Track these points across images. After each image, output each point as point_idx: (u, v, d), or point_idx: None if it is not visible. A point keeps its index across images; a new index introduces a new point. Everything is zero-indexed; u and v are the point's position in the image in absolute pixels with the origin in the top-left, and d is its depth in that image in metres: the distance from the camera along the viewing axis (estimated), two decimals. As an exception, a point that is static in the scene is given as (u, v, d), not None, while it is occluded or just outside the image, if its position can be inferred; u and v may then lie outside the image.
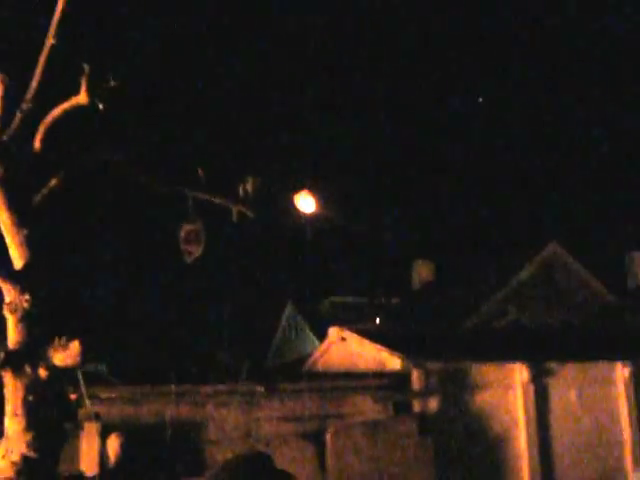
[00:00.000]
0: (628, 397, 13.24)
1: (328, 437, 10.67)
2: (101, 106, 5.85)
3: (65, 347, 5.32)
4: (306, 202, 22.37)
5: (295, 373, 14.15)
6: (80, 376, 8.90)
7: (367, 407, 11.43)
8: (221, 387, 10.20)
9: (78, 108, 5.95)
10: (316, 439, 10.64)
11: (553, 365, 12.88)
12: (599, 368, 13.30)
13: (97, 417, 9.26)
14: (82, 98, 5.76)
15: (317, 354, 14.89)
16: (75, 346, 5.25)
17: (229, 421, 9.92)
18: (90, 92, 5.76)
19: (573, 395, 12.97)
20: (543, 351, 13.69)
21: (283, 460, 10.20)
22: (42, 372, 5.25)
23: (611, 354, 13.60)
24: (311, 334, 33.19)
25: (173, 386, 9.73)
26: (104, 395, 9.62)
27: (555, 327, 20.97)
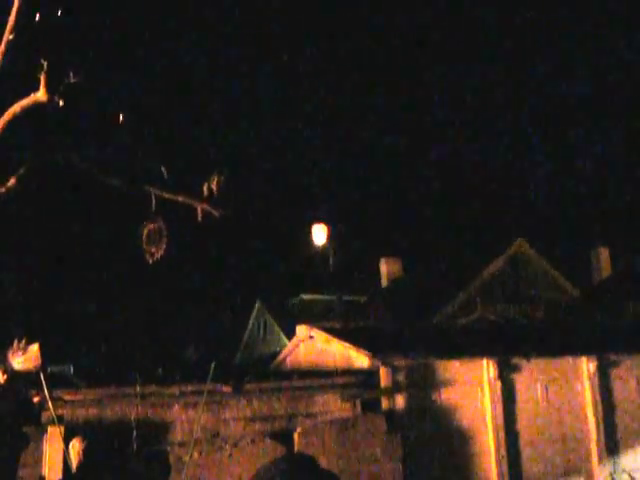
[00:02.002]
0: (593, 392, 13.38)
1: (296, 436, 10.62)
2: (61, 103, 5.73)
3: (24, 350, 5.20)
4: (320, 233, 22.47)
5: (263, 372, 14.06)
6: (43, 379, 8.74)
7: (335, 405, 11.39)
8: (187, 387, 10.08)
9: (38, 105, 5.82)
10: (284, 438, 10.58)
11: (519, 361, 12.96)
12: (565, 363, 13.41)
13: (60, 420, 9.09)
14: (41, 95, 5.64)
15: (285, 352, 14.83)
16: (34, 349, 5.14)
17: (196, 422, 9.80)
18: (49, 89, 5.63)
19: (539, 390, 13.07)
20: (510, 347, 13.77)
21: (251, 460, 10.15)
22: (0, 376, 5.13)
23: (577, 349, 13.73)
24: (280, 332, 33.13)
25: (138, 387, 9.59)
26: (68, 397, 9.45)
27: (521, 322, 21.14)
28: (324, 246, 22.89)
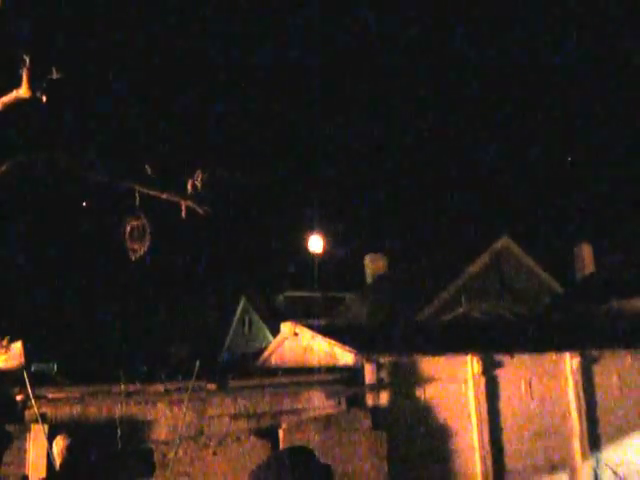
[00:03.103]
0: (576, 387, 13.47)
1: (281, 433, 10.61)
2: (44, 99, 5.68)
3: (7, 348, 5.17)
4: (316, 243, 22.89)
5: (247, 369, 14.05)
6: (26, 377, 8.69)
7: (320, 402, 11.40)
8: (172, 385, 10.05)
9: (21, 101, 5.77)
10: (269, 435, 10.58)
11: (503, 357, 13.03)
12: (548, 359, 13.49)
13: (44, 418, 9.04)
14: (24, 91, 5.59)
15: (270, 349, 14.83)
16: (17, 348, 5.10)
17: (180, 420, 9.78)
18: (32, 85, 5.58)
19: (523, 386, 13.14)
20: (493, 343, 13.85)
21: (236, 458, 10.14)
22: (-17, 375, 5.09)
23: (560, 344, 13.82)
24: (264, 329, 33.11)
25: (122, 385, 9.55)
26: (52, 395, 9.39)
27: (505, 319, 21.24)
28: (319, 254, 23.32)
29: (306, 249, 24.70)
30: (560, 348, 13.64)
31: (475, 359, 12.63)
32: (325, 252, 24.60)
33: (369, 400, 11.73)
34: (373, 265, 32.22)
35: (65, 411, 9.46)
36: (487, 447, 12.45)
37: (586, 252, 28.73)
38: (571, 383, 13.47)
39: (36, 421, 8.99)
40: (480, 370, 12.61)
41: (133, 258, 6.33)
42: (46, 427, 8.88)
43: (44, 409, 9.25)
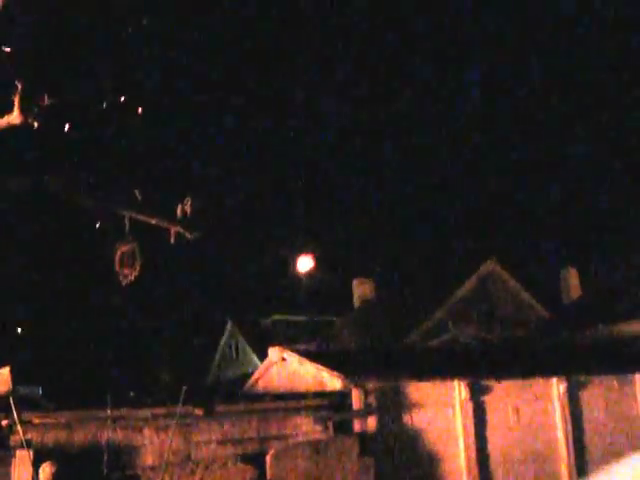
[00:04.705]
0: (563, 412, 13.49)
1: (269, 459, 10.56)
2: (35, 125, 5.71)
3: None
4: (305, 263, 23.18)
5: (235, 394, 13.99)
6: (12, 402, 8.63)
7: (308, 427, 11.37)
8: (158, 410, 10.00)
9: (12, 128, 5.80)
10: (257, 461, 10.52)
11: (490, 382, 13.04)
12: (535, 384, 13.52)
13: (29, 444, 8.96)
14: (15, 117, 5.62)
15: (257, 374, 14.79)
16: (4, 374, 5.08)
17: (167, 445, 9.72)
18: (24, 111, 5.61)
19: (510, 411, 13.15)
20: (481, 368, 13.86)
21: (223, 483, 10.07)
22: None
23: (547, 370, 13.85)
24: (252, 353, 32.98)
25: (109, 410, 9.49)
26: (37, 421, 9.31)
27: (492, 343, 21.26)
28: (308, 274, 23.47)
29: (293, 273, 24.75)
30: (547, 373, 13.68)
31: (462, 385, 12.64)
32: (312, 276, 24.67)
33: (356, 425, 11.71)
34: (361, 289, 32.20)
35: (51, 437, 9.37)
36: (474, 472, 12.43)
37: (572, 276, 28.84)
38: (558, 408, 13.49)
39: (21, 447, 8.92)
40: (467, 396, 12.62)
41: (123, 283, 6.33)
42: (31, 453, 8.81)
43: (30, 435, 9.16)
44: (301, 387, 12.55)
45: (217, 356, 37.19)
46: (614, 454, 13.73)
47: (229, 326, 36.48)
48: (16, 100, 5.62)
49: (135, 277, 6.25)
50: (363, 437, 11.57)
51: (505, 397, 13.17)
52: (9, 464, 9.03)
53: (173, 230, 6.69)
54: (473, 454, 12.48)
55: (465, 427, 12.54)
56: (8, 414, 8.87)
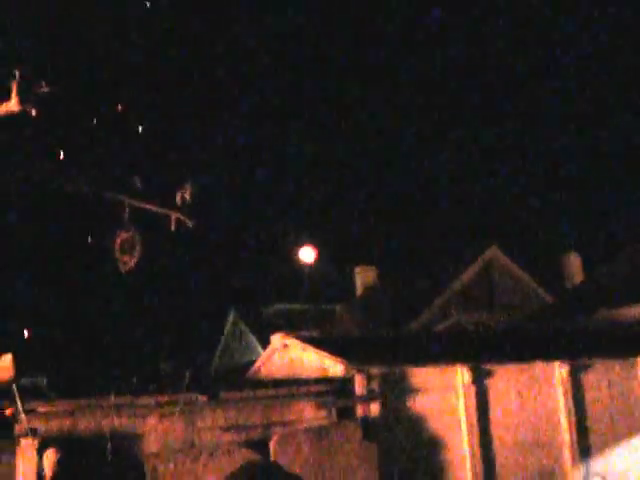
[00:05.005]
0: (566, 396, 13.51)
1: (272, 445, 10.60)
2: (33, 113, 5.70)
3: (-3, 361, 5.16)
4: (308, 254, 23.36)
5: (238, 381, 14.03)
6: (16, 390, 8.66)
7: (311, 413, 11.40)
8: (162, 398, 10.03)
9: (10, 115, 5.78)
10: (260, 447, 10.56)
11: (493, 366, 13.06)
12: (537, 368, 13.53)
13: (34, 432, 9.00)
14: (13, 105, 5.60)
15: (260, 361, 14.81)
16: (7, 361, 5.10)
17: (171, 432, 9.76)
18: (21, 98, 5.59)
19: (513, 396, 13.17)
20: (483, 353, 13.88)
21: (227, 470, 10.11)
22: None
23: (549, 354, 13.86)
24: (255, 341, 33.05)
25: (112, 398, 9.53)
26: (41, 409, 9.35)
27: (495, 328, 21.28)
28: (311, 264, 23.53)
29: (295, 261, 24.79)
30: (549, 357, 13.69)
31: (465, 369, 12.66)
32: (314, 264, 24.71)
33: (359, 411, 11.74)
34: (363, 277, 32.21)
35: (55, 425, 9.41)
36: (477, 457, 12.46)
37: (574, 262, 28.84)
38: (561, 392, 13.50)
39: (26, 435, 8.96)
40: (470, 380, 12.64)
41: (123, 270, 6.34)
42: (36, 441, 8.85)
43: (34, 423, 9.20)
44: (304, 373, 12.58)
45: (220, 344, 37.27)
46: (617, 438, 13.78)
47: (232, 314, 36.54)
48: (14, 87, 5.59)
49: (135, 264, 6.25)
50: (366, 422, 11.61)
51: (508, 381, 13.18)
52: (14, 453, 9.09)
53: (173, 217, 6.68)
54: (476, 438, 12.51)
55: (468, 411, 12.56)
56: (12, 402, 8.91)
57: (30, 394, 9.32)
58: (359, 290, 32.37)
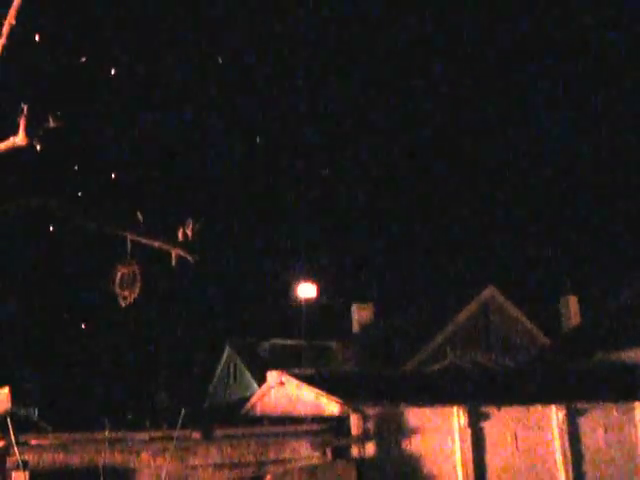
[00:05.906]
0: (563, 439, 13.43)
1: (266, 483, 10.51)
2: (39, 148, 5.76)
3: (-6, 394, 5.15)
4: (307, 290, 23.66)
5: (233, 418, 13.95)
6: (10, 423, 8.61)
7: (306, 452, 11.31)
8: (156, 433, 9.96)
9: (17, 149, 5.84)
10: (254, 486, 10.47)
11: (490, 409, 12.99)
12: (534, 411, 13.47)
13: (25, 465, 8.92)
14: (20, 139, 5.67)
15: (256, 398, 14.73)
16: (4, 394, 5.09)
17: (164, 469, 9.67)
18: (28, 133, 5.66)
19: (509, 438, 13.09)
20: (480, 394, 13.81)
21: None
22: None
23: (546, 397, 13.80)
24: (250, 377, 32.83)
25: (106, 432, 9.46)
26: (34, 442, 9.27)
27: (492, 370, 21.19)
28: (311, 300, 23.69)
29: (291, 297, 24.82)
30: (546, 400, 13.63)
31: (461, 411, 12.59)
32: (313, 301, 24.78)
33: (355, 451, 11.65)
34: (360, 314, 32.14)
35: (47, 458, 9.33)
36: (473, 500, 12.35)
37: (572, 304, 28.80)
38: (557, 435, 13.43)
39: (18, 468, 8.88)
40: (466, 422, 12.57)
41: (123, 305, 6.35)
42: (27, 474, 8.77)
43: (26, 456, 9.12)
44: (299, 411, 12.51)
45: (215, 379, 37.03)
46: (614, 482, 13.67)
47: (227, 349, 36.36)
48: (21, 122, 5.67)
49: (135, 299, 6.27)
50: (361, 463, 11.52)
51: (504, 424, 13.11)
52: (5, 486, 8.99)
53: (175, 253, 6.71)
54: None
55: (464, 453, 12.47)
56: (5, 435, 8.84)
57: (23, 426, 9.25)
58: (356, 327, 32.28)
